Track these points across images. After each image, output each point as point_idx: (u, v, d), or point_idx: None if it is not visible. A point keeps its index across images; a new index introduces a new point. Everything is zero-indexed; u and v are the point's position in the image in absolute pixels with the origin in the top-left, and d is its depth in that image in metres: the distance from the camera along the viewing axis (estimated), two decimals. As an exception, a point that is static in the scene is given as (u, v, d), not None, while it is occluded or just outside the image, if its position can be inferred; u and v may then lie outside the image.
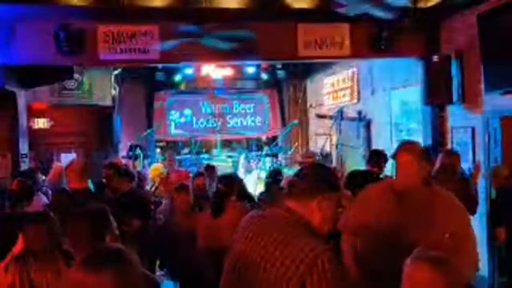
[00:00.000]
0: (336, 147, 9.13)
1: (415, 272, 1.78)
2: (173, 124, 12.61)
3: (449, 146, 6.38)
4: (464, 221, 2.66)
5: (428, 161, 2.76)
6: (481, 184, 5.79)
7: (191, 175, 6.49)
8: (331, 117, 9.64)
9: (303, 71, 11.88)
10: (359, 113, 8.90)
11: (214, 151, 12.52)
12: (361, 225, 2.76)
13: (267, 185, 5.72)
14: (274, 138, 12.73)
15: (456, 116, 6.28)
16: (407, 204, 2.60)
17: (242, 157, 10.60)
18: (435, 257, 1.80)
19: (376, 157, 5.07)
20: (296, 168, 6.80)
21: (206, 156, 11.68)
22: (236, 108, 13.00)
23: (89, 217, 2.43)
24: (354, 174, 4.96)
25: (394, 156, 2.74)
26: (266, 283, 1.82)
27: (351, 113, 9.27)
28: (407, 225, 2.52)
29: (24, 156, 6.81)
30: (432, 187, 2.69)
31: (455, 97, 6.10)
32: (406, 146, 2.78)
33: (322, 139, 9.56)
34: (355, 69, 9.11)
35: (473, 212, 4.50)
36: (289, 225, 1.91)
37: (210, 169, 6.21)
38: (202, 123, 12.76)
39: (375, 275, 2.54)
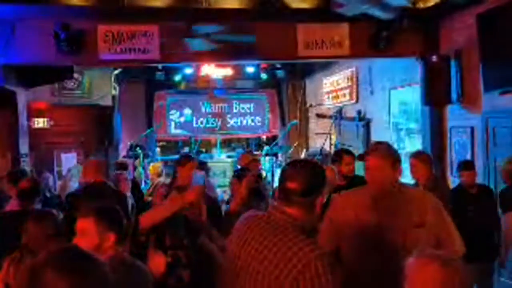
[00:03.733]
0: (336, 146, 9.13)
1: (424, 274, 1.74)
2: (173, 123, 12.62)
3: (448, 146, 6.40)
4: (434, 211, 2.64)
5: (398, 161, 2.67)
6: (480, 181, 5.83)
7: None
8: (330, 117, 9.66)
9: (303, 71, 11.90)
10: (359, 112, 8.92)
11: (214, 151, 12.53)
12: (340, 229, 2.73)
13: None
14: (274, 137, 12.74)
15: (455, 116, 6.29)
16: (381, 206, 2.59)
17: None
18: (442, 257, 1.77)
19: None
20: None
21: (206, 155, 11.69)
22: (236, 108, 13.01)
23: (96, 214, 2.27)
24: None
25: (362, 159, 2.72)
26: (260, 285, 1.83)
27: (350, 112, 9.29)
28: (383, 226, 2.53)
29: (24, 155, 6.82)
30: (400, 186, 2.69)
31: (454, 97, 6.12)
32: (375, 149, 2.72)
33: (321, 139, 9.57)
34: (354, 69, 9.13)
35: None
36: (285, 227, 1.90)
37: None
38: (202, 122, 12.77)
39: (358, 276, 2.53)
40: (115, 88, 9.98)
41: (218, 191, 6.24)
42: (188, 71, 11.04)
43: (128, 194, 5.27)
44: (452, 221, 2.70)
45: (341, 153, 4.74)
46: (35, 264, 1.35)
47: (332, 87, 10.25)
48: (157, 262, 2.82)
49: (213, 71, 11.32)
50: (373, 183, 2.67)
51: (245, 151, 7.99)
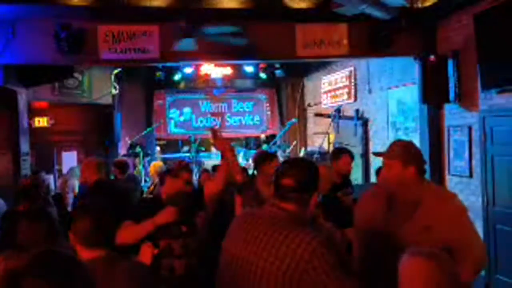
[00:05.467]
0: (334, 145, 9.17)
1: (409, 267, 1.79)
2: (172, 122, 12.66)
3: (445, 145, 6.44)
4: (452, 216, 2.49)
5: (414, 158, 2.57)
6: (477, 184, 5.87)
7: None
8: (329, 116, 9.69)
9: (302, 70, 11.93)
10: (357, 112, 8.96)
11: (214, 150, 12.55)
12: (358, 229, 2.77)
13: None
14: (273, 136, 12.77)
15: (453, 115, 6.33)
16: (393, 205, 2.57)
17: (241, 155, 10.64)
18: (427, 251, 1.81)
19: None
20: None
21: (205, 154, 11.72)
22: (235, 107, 13.05)
23: (92, 214, 2.28)
24: None
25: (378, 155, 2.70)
26: (267, 282, 1.83)
27: (348, 112, 9.33)
28: (392, 225, 2.49)
29: (24, 154, 6.85)
30: (423, 184, 2.58)
31: (451, 96, 6.15)
32: (389, 148, 2.65)
33: (320, 138, 9.61)
34: (352, 69, 9.16)
35: None
36: (283, 222, 1.92)
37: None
38: (201, 121, 12.81)
39: (372, 275, 2.53)
40: (115, 87, 10.01)
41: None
42: (188, 70, 11.07)
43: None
44: (474, 230, 2.58)
45: (340, 152, 4.75)
46: (15, 270, 1.31)
47: (330, 87, 10.29)
48: (144, 253, 2.83)
49: (213, 70, 11.36)
50: (385, 181, 2.63)
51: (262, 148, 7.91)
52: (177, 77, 11.34)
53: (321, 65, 10.36)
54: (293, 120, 11.23)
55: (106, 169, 4.87)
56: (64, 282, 1.30)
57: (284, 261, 1.80)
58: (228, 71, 11.51)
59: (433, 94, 6.26)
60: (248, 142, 13.30)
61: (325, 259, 1.78)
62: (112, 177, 6.39)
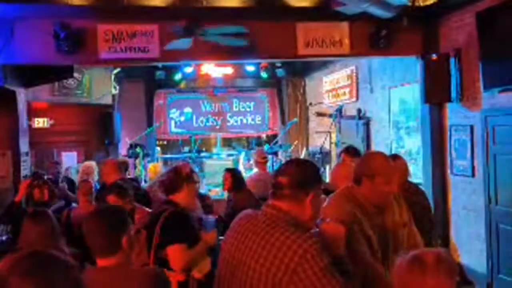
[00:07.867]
0: (336, 145, 9.14)
1: (394, 273, 1.74)
2: (173, 122, 12.61)
3: (447, 145, 6.40)
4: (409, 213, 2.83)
5: None
6: (479, 183, 5.83)
7: None
8: (330, 115, 9.67)
9: (303, 69, 11.91)
10: (359, 111, 8.93)
11: (214, 150, 12.54)
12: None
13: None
14: (274, 136, 12.74)
15: (455, 114, 6.30)
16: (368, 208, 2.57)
17: (242, 155, 10.62)
18: (424, 258, 1.69)
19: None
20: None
21: (206, 154, 11.69)
22: (236, 107, 13.01)
23: (106, 217, 2.21)
24: None
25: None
26: (257, 283, 1.83)
27: (350, 111, 9.30)
28: (374, 226, 2.50)
29: (24, 155, 6.83)
30: None
31: (453, 95, 6.12)
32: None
33: (321, 137, 9.58)
34: (354, 68, 9.13)
35: None
36: (277, 223, 1.91)
37: None
38: (202, 121, 12.76)
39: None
40: (115, 87, 9.99)
41: (218, 190, 6.28)
42: (188, 70, 11.03)
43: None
44: None
45: (341, 152, 4.78)
46: (2, 269, 1.29)
47: (332, 86, 10.26)
48: (206, 262, 3.11)
49: (213, 70, 11.33)
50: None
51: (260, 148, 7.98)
52: (177, 77, 11.30)
53: (322, 64, 10.33)
54: (294, 120, 11.21)
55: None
56: (51, 282, 1.28)
57: (274, 263, 1.80)
58: (228, 70, 11.48)
59: (435, 93, 6.23)
60: (250, 142, 13.28)
61: (316, 261, 1.76)
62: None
